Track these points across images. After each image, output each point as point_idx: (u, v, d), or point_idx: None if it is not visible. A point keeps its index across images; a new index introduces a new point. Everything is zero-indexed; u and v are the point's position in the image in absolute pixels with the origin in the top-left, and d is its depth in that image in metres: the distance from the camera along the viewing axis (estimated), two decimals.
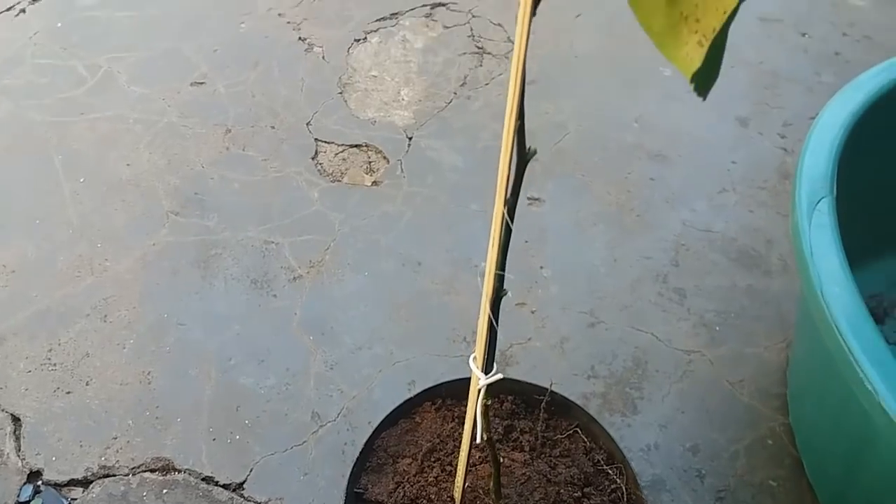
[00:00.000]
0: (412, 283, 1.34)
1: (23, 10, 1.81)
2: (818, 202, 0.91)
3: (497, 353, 1.21)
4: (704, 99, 0.40)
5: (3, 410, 1.16)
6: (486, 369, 0.63)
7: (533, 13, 0.44)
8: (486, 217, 1.45)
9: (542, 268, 1.37)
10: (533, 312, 1.29)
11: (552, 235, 1.43)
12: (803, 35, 1.83)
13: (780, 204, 1.47)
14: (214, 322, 1.26)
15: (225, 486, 1.09)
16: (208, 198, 1.45)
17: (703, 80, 0.38)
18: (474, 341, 1.25)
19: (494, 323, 0.59)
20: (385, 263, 1.37)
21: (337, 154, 1.56)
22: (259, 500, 1.07)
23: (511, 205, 0.53)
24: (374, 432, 0.89)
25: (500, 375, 0.62)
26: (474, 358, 0.63)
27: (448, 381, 0.92)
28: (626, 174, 1.53)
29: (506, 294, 0.58)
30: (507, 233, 0.54)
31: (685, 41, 0.39)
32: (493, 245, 0.55)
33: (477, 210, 1.47)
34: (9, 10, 1.82)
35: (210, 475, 1.10)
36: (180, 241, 1.38)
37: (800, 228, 0.88)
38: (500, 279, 0.55)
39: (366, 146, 1.58)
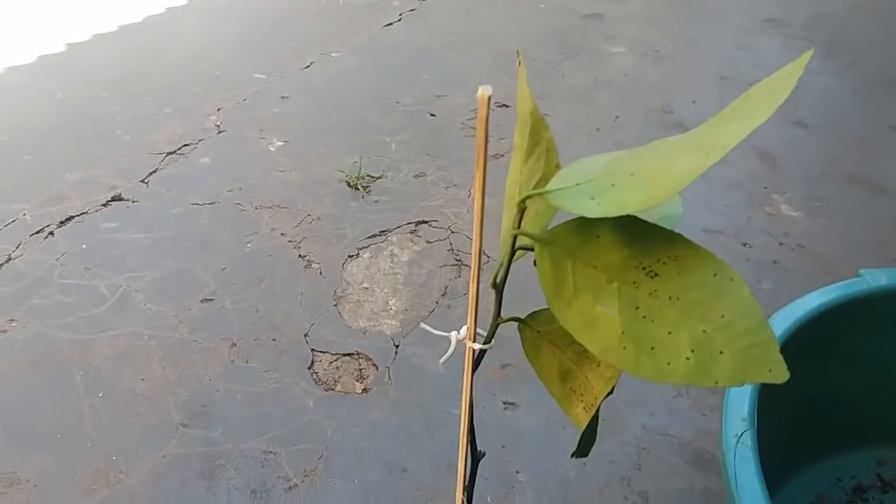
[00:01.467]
0: (398, 491, 1.47)
1: (51, 233, 2.04)
2: (741, 435, 1.08)
3: None
4: (586, 456, 0.57)
5: None
6: None
7: (473, 374, 0.62)
8: None
9: (517, 472, 1.51)
10: None
11: (526, 440, 1.57)
12: (744, 245, 2.08)
13: None
14: None
15: None
16: (214, 410, 1.60)
17: (585, 443, 0.55)
18: None
19: None
20: (373, 471, 1.51)
21: (331, 363, 1.73)
22: None
23: (469, 490, 0.69)
24: None
25: None
26: None
27: None
28: None
29: None
30: None
31: (575, 406, 0.57)
32: None
33: (457, 415, 1.62)
34: (38, 232, 2.04)
35: None
36: (188, 453, 1.51)
37: (726, 461, 1.04)
38: None
39: (357, 354, 1.75)
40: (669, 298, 0.41)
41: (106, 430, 1.55)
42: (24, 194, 2.15)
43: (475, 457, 0.68)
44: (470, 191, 2.24)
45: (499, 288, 0.51)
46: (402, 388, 1.68)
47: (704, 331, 0.40)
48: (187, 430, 1.56)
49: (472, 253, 0.51)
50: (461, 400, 0.64)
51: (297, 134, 2.46)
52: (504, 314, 0.55)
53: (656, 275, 0.41)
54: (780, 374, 0.39)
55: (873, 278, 1.29)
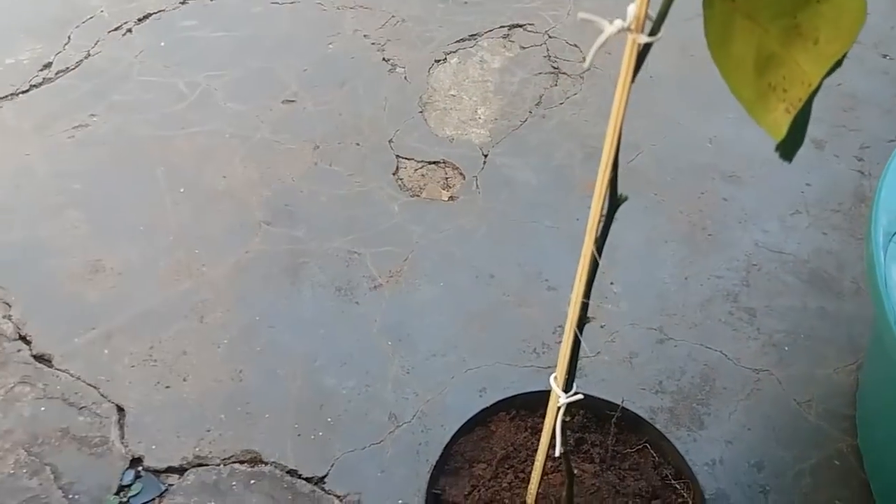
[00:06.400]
0: (485, 295, 1.40)
1: (129, 30, 1.95)
2: (895, 234, 0.93)
3: None
4: (790, 162, 0.45)
5: (109, 401, 1.27)
6: (566, 388, 0.68)
7: (632, 80, 0.49)
8: (559, 233, 1.50)
9: (612, 284, 1.42)
10: (602, 327, 1.34)
11: (623, 252, 1.47)
12: (884, 57, 1.83)
13: (854, 227, 1.48)
14: (302, 326, 1.35)
15: (308, 480, 1.17)
16: (298, 209, 1.54)
17: (789, 145, 0.42)
18: (544, 353, 1.31)
19: (580, 337, 0.64)
20: (459, 275, 1.44)
21: (416, 170, 1.64)
22: (339, 494, 1.15)
23: (600, 244, 0.59)
24: (452, 438, 0.95)
25: (580, 396, 0.67)
26: (555, 377, 0.69)
27: (522, 394, 0.98)
28: (698, 194, 1.56)
29: (589, 321, 0.63)
30: (594, 266, 0.59)
31: (773, 108, 0.44)
32: (580, 277, 0.60)
33: (549, 226, 1.52)
34: (116, 29, 1.96)
35: (294, 468, 1.18)
36: (272, 250, 1.47)
37: (875, 261, 0.91)
38: (584, 307, 0.61)
39: (443, 163, 1.65)
40: None
41: (188, 224, 1.52)
42: None
43: (614, 201, 0.57)
44: None
45: None
46: (491, 197, 1.58)
47: None
48: (270, 228, 1.51)
49: None
50: (611, 120, 0.51)
51: None
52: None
53: None
54: None
55: None
